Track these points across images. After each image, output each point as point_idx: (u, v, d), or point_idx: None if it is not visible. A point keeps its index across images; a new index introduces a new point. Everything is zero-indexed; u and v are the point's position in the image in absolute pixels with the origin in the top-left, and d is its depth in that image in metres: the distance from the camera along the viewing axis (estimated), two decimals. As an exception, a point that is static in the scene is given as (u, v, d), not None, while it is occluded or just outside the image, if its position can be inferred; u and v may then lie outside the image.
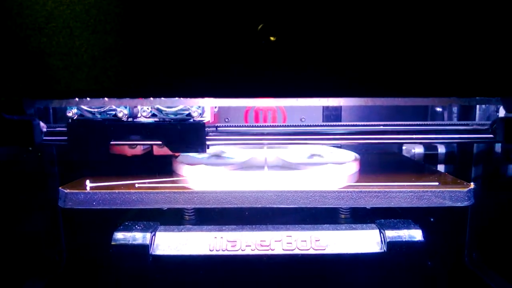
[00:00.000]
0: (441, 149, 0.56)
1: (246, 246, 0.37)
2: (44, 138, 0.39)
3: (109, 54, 0.29)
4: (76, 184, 0.41)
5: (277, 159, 0.49)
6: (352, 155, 0.50)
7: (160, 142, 0.39)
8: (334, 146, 0.55)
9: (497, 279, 0.45)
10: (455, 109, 0.54)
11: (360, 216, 0.43)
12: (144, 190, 0.38)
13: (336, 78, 0.30)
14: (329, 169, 0.43)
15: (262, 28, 0.29)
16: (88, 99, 0.31)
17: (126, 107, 0.40)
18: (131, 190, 0.38)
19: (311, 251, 0.37)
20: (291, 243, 0.37)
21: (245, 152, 0.53)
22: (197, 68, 0.29)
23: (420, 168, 0.52)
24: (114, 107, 0.40)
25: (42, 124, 0.38)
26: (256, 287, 0.41)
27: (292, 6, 0.28)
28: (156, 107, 0.40)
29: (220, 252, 0.37)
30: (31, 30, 0.29)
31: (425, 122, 0.43)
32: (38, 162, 0.47)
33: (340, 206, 0.43)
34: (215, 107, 0.50)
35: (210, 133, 0.41)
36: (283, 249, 0.37)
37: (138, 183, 0.40)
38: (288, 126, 0.43)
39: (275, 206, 0.38)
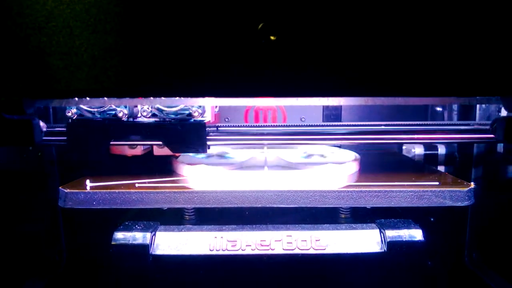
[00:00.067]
0: (441, 149, 0.56)
1: (246, 246, 0.37)
2: (44, 138, 0.38)
3: (109, 53, 0.29)
4: (76, 184, 0.41)
5: (277, 158, 0.49)
6: (352, 155, 0.50)
7: (160, 142, 0.39)
8: (334, 146, 0.55)
9: (497, 279, 0.45)
10: (455, 108, 0.54)
11: (360, 216, 0.43)
12: (144, 190, 0.38)
13: (336, 78, 0.30)
14: (329, 169, 0.43)
15: (262, 27, 0.29)
16: (88, 98, 0.31)
17: (126, 107, 0.40)
18: (131, 190, 0.38)
19: (311, 251, 0.37)
20: (291, 242, 0.37)
21: (245, 152, 0.53)
22: (197, 68, 0.29)
23: (420, 167, 0.52)
24: (114, 106, 0.40)
25: (42, 123, 0.38)
26: (256, 287, 0.41)
27: (292, 6, 0.28)
28: (157, 107, 0.40)
29: (220, 252, 0.37)
30: (31, 29, 0.29)
31: (425, 122, 0.43)
32: (38, 162, 0.47)
33: (340, 206, 0.43)
34: (216, 107, 0.50)
35: (211, 133, 0.41)
36: (283, 249, 0.37)
37: (138, 183, 0.40)
38: (288, 126, 0.43)
39: (275, 205, 0.38)
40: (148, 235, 0.37)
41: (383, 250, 0.37)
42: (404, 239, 0.37)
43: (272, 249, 0.37)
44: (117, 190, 0.38)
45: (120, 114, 0.40)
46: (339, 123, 0.58)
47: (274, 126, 0.43)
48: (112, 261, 0.37)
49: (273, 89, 0.30)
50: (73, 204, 0.38)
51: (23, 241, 0.46)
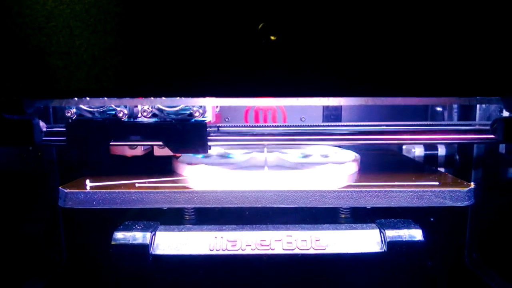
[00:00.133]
0: (441, 149, 0.55)
1: (246, 245, 0.37)
2: (44, 138, 0.38)
3: (109, 53, 0.29)
4: (76, 183, 0.41)
5: (277, 158, 0.49)
6: (352, 154, 0.50)
7: (160, 143, 0.39)
8: (334, 146, 0.55)
9: (497, 279, 0.45)
10: (455, 108, 0.54)
11: (360, 216, 0.43)
12: (144, 189, 0.38)
13: (337, 78, 0.30)
14: (329, 169, 0.43)
15: (262, 27, 0.29)
16: (88, 98, 0.31)
17: (126, 107, 0.40)
18: (131, 190, 0.38)
19: (311, 251, 0.37)
20: (291, 242, 0.37)
21: (245, 152, 0.53)
22: (197, 67, 0.29)
23: (420, 168, 0.52)
24: (114, 106, 0.40)
25: (42, 123, 0.38)
26: (256, 287, 0.41)
27: (292, 5, 0.28)
28: (157, 107, 0.40)
29: (220, 252, 0.37)
30: (31, 29, 0.29)
31: (426, 122, 0.43)
32: (38, 162, 0.47)
33: (340, 206, 0.42)
34: (217, 107, 0.50)
35: (212, 133, 0.41)
36: (283, 249, 0.37)
37: (138, 183, 0.40)
38: (289, 126, 0.43)
39: (275, 205, 0.38)
40: (148, 235, 0.37)
41: (383, 250, 0.37)
42: (404, 239, 0.37)
43: (272, 249, 0.37)
44: (117, 190, 0.38)
45: (120, 114, 0.40)
46: (339, 123, 0.58)
47: (274, 126, 0.43)
48: (112, 261, 0.37)
49: (273, 89, 0.30)
50: (73, 204, 0.38)
51: (23, 241, 0.46)
